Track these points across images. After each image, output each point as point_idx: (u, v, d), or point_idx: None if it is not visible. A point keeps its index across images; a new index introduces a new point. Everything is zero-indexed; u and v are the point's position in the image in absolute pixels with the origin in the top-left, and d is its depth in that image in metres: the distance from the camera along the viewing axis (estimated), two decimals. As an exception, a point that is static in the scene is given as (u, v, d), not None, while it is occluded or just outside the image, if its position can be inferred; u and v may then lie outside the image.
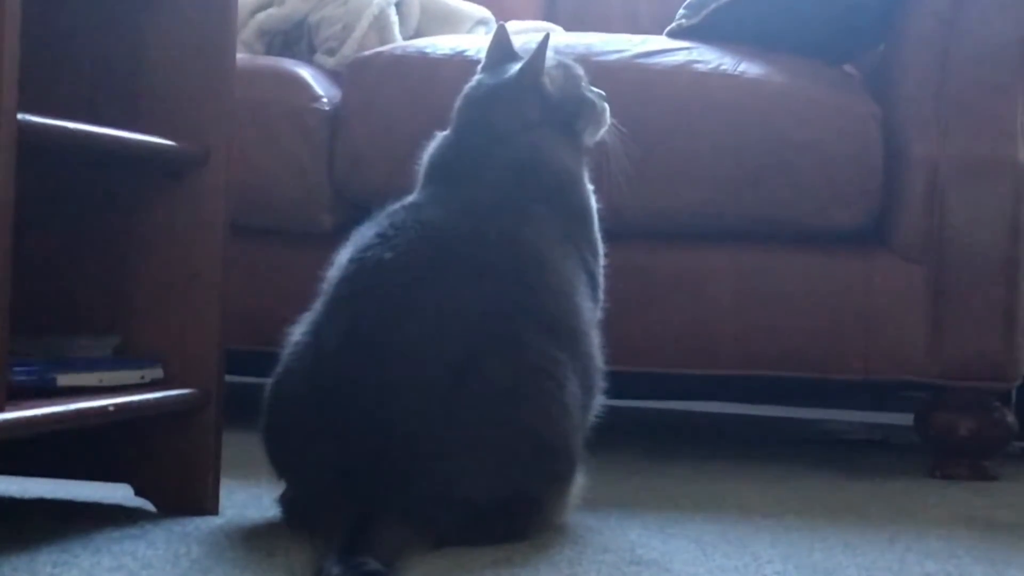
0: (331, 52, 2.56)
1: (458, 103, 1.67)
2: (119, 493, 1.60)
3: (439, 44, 2.30)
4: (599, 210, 1.68)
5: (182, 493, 1.55)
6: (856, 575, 1.37)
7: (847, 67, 2.40)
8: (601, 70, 2.13)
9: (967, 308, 2.13)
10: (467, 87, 1.68)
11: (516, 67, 1.66)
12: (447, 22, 2.68)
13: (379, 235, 1.49)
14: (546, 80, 1.64)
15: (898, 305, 2.14)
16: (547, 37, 1.64)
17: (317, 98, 2.32)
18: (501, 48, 1.73)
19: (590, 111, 1.71)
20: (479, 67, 1.72)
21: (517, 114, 1.63)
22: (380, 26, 2.55)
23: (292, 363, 1.48)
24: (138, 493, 1.58)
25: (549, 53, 1.65)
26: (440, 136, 1.66)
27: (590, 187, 1.68)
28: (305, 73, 2.38)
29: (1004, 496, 1.99)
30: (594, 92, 1.73)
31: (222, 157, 1.56)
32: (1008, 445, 2.24)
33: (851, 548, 1.51)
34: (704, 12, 2.33)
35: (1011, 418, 2.18)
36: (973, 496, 1.96)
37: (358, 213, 1.70)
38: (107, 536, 1.41)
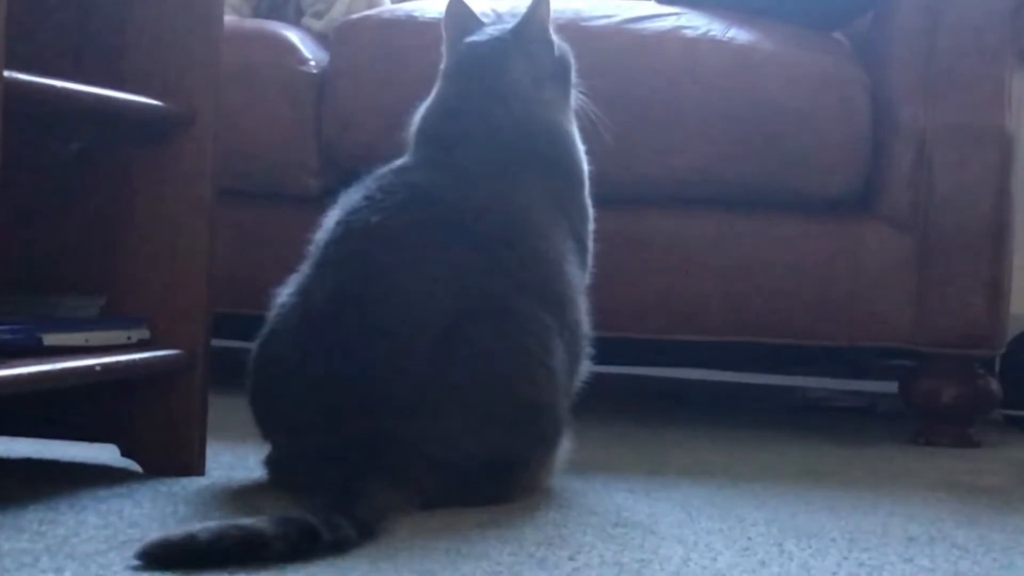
0: (319, 15, 2.55)
1: (452, 62, 1.64)
2: (105, 454, 1.60)
3: (427, 7, 2.29)
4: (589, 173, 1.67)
5: (168, 454, 1.55)
6: (840, 537, 1.38)
7: (836, 34, 2.40)
8: (589, 35, 2.13)
9: (953, 276, 2.13)
10: (461, 47, 1.63)
11: (516, 21, 1.62)
12: (436, -14, 2.67)
13: (367, 198, 1.49)
14: (552, 28, 1.62)
15: (884, 272, 2.15)
16: None
17: (304, 61, 2.31)
18: (462, 19, 1.67)
19: (571, 62, 1.69)
20: (442, 48, 1.67)
21: (527, 68, 1.60)
22: (368, -11, 2.54)
23: (278, 325, 1.48)
24: (124, 454, 1.58)
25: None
26: (431, 97, 1.64)
27: (583, 148, 1.67)
28: (292, 36, 2.37)
29: (987, 462, 2.00)
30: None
31: (209, 118, 1.55)
32: (992, 412, 2.26)
33: (835, 512, 1.52)
34: (693, -22, 2.32)
35: (995, 385, 2.20)
36: (956, 462, 1.97)
37: (345, 176, 1.70)
38: (93, 496, 1.41)
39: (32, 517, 1.29)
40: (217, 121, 1.56)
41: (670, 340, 2.24)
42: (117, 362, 1.44)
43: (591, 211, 1.66)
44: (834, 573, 1.23)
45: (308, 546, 1.17)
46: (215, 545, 1.12)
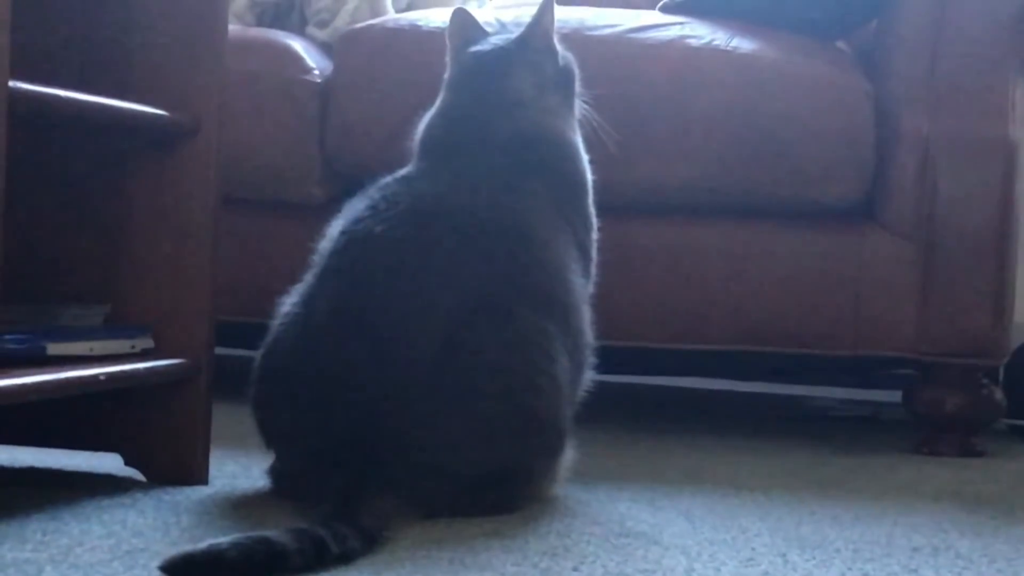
0: (323, 24, 2.55)
1: (456, 72, 1.64)
2: (109, 462, 1.60)
3: (431, 17, 2.29)
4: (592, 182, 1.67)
5: (172, 463, 1.55)
6: (843, 548, 1.38)
7: (839, 43, 2.40)
8: (594, 44, 2.14)
9: (956, 285, 2.13)
10: (465, 57, 1.63)
11: (520, 31, 1.63)
12: (439, -5, 2.67)
13: (370, 208, 1.49)
14: (556, 38, 1.62)
15: (888, 282, 2.15)
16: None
17: (308, 70, 2.32)
18: (466, 29, 1.67)
19: (575, 71, 1.69)
20: (446, 57, 1.67)
21: (531, 77, 1.60)
22: (372, -2, 2.55)
23: (282, 334, 1.49)
24: (128, 463, 1.58)
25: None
26: (435, 107, 1.64)
27: (586, 157, 1.67)
28: (296, 45, 2.37)
29: (991, 472, 2.00)
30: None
31: (213, 128, 1.56)
32: (995, 422, 2.25)
33: (839, 522, 1.52)
34: (697, -13, 2.33)
35: (999, 395, 2.19)
36: (960, 472, 1.97)
37: (349, 185, 1.70)
38: (97, 505, 1.41)
39: (36, 527, 1.29)
40: (221, 130, 1.57)
41: (673, 349, 2.24)
42: (121, 371, 1.44)
43: (594, 220, 1.66)
44: (838, 583, 1.23)
45: (319, 559, 1.17)
46: (242, 560, 1.11)
